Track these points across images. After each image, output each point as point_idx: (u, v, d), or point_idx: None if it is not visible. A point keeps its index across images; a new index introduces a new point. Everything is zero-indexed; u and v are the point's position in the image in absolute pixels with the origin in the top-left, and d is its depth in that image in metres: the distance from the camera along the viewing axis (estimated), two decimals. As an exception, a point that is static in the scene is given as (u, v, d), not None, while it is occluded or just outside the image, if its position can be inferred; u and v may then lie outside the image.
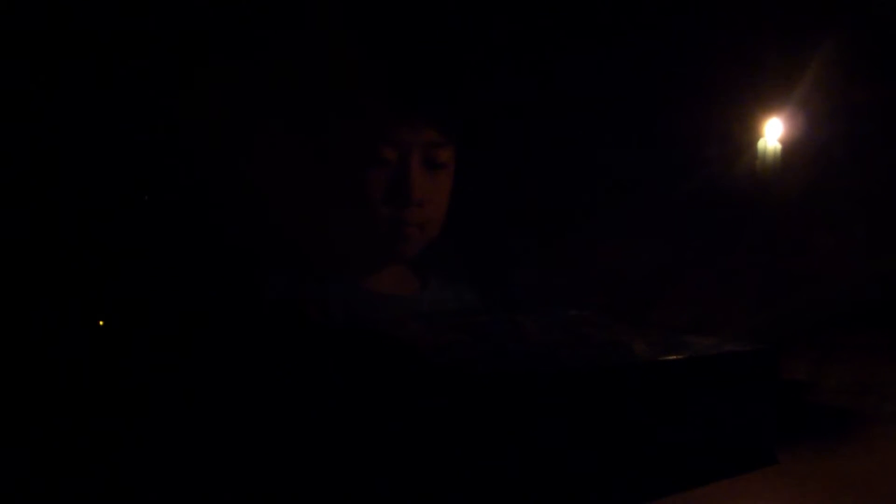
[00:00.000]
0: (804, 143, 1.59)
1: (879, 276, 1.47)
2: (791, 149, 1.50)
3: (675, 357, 0.93)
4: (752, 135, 1.51)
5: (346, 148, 1.32)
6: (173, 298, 1.23)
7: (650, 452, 0.90)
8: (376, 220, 1.32)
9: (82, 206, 1.23)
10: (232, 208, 1.28)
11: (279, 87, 1.32)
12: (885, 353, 1.46)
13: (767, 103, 1.56)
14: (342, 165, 1.33)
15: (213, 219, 1.29)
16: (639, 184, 1.64)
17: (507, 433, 0.81)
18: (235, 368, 1.02)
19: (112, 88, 1.22)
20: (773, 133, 1.46)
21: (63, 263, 1.22)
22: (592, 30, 1.69)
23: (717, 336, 1.04)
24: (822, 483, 0.88)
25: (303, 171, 1.32)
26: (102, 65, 1.21)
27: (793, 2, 1.73)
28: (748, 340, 1.02)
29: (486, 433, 0.81)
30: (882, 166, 1.72)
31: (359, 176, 1.31)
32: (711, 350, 0.97)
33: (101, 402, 1.02)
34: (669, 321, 1.36)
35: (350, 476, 0.86)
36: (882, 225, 1.67)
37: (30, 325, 1.16)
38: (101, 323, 1.21)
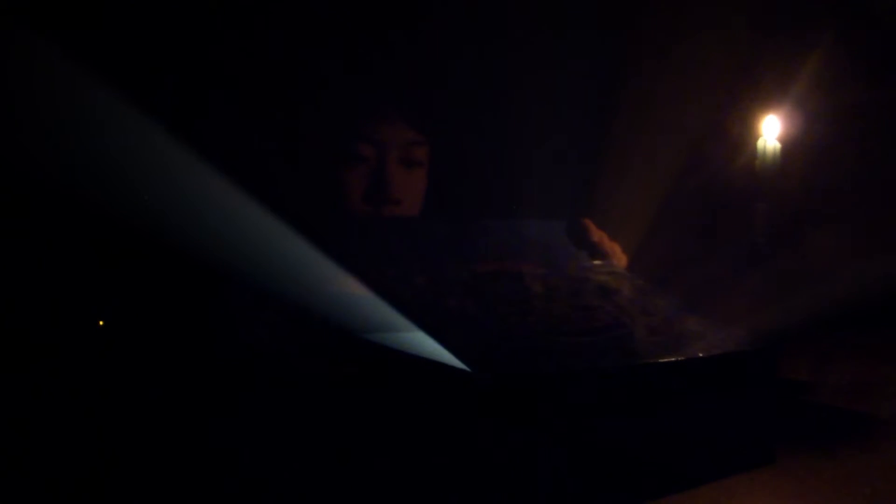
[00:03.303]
0: (804, 141, 1.59)
1: (879, 276, 1.48)
2: (790, 147, 1.50)
3: (675, 358, 0.93)
4: (752, 133, 1.51)
5: (324, 145, 1.32)
6: (154, 300, 1.23)
7: (651, 452, 0.90)
8: (353, 218, 1.32)
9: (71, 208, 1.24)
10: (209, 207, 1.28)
11: (261, 87, 1.33)
12: (885, 353, 1.46)
13: (765, 101, 1.56)
14: (320, 163, 1.33)
15: (191, 219, 1.29)
16: (637, 182, 1.63)
17: (505, 431, 0.81)
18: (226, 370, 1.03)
19: (95, 88, 1.22)
20: (771, 131, 1.46)
21: (54, 264, 1.22)
22: (589, 28, 1.69)
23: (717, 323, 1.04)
24: (821, 483, 0.89)
25: (280, 169, 1.33)
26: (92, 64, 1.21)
27: (791, 1, 1.73)
28: (748, 340, 1.02)
29: (484, 431, 0.81)
30: (882, 165, 1.73)
31: (336, 173, 1.32)
32: (711, 350, 0.97)
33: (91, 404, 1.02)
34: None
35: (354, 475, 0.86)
36: (882, 224, 1.67)
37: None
38: (101, 323, 1.21)
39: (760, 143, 1.44)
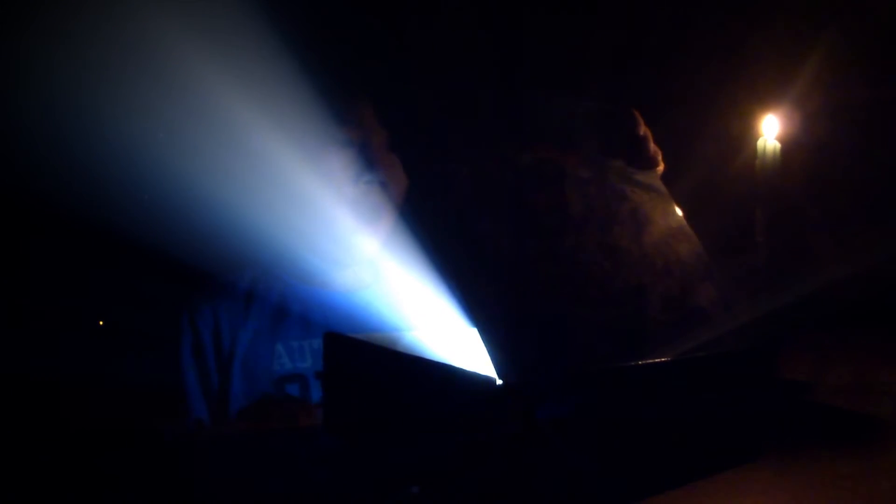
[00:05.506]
0: (804, 141, 1.59)
1: (878, 276, 1.48)
2: (791, 147, 1.50)
3: (675, 357, 0.93)
4: (752, 133, 1.51)
5: (311, 131, 1.32)
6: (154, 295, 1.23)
7: (650, 451, 0.90)
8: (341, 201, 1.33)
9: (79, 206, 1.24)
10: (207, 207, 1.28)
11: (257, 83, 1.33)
12: (885, 353, 1.46)
13: (765, 100, 1.56)
14: (307, 148, 1.34)
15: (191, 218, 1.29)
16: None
17: (508, 429, 0.81)
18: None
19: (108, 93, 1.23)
20: (771, 130, 1.46)
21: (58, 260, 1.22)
22: (590, 26, 1.69)
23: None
24: (820, 482, 0.88)
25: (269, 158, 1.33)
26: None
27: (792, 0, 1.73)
28: (748, 340, 1.02)
29: (485, 429, 0.81)
30: (882, 165, 1.73)
31: (323, 158, 1.32)
32: (712, 350, 0.97)
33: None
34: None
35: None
36: (881, 224, 1.67)
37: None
38: (100, 323, 1.21)
39: (760, 143, 1.44)
